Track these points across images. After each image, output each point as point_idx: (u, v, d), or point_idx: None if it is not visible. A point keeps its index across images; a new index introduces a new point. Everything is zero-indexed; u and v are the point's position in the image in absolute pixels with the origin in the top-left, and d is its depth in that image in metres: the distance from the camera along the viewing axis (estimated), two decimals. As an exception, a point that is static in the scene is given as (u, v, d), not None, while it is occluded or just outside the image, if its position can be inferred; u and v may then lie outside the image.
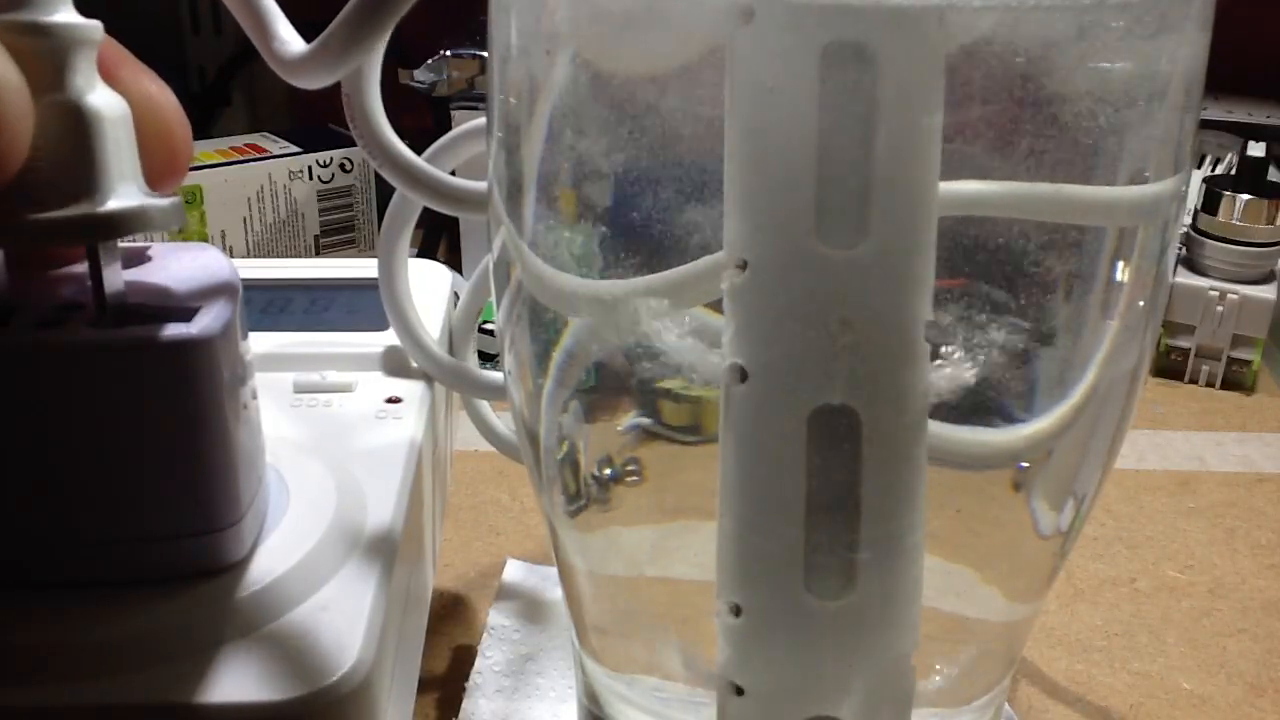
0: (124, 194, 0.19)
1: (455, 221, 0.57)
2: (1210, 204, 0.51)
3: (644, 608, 0.24)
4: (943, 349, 0.19)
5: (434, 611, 0.32)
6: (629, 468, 0.22)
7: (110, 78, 0.19)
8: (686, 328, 0.20)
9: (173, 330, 0.19)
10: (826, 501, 0.17)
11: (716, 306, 0.17)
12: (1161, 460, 0.45)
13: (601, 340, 0.21)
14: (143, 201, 0.19)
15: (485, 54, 0.48)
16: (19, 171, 0.17)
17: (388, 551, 0.22)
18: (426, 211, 0.28)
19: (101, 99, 0.18)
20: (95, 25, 0.19)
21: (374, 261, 0.30)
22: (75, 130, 0.18)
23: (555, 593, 0.33)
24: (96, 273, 0.19)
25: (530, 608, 0.33)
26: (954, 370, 0.19)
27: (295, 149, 0.60)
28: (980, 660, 0.23)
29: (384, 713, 0.21)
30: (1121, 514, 0.41)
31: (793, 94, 0.15)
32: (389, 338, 0.30)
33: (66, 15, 0.18)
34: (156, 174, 0.20)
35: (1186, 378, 0.52)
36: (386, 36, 0.22)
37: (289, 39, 0.24)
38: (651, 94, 0.18)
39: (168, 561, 0.20)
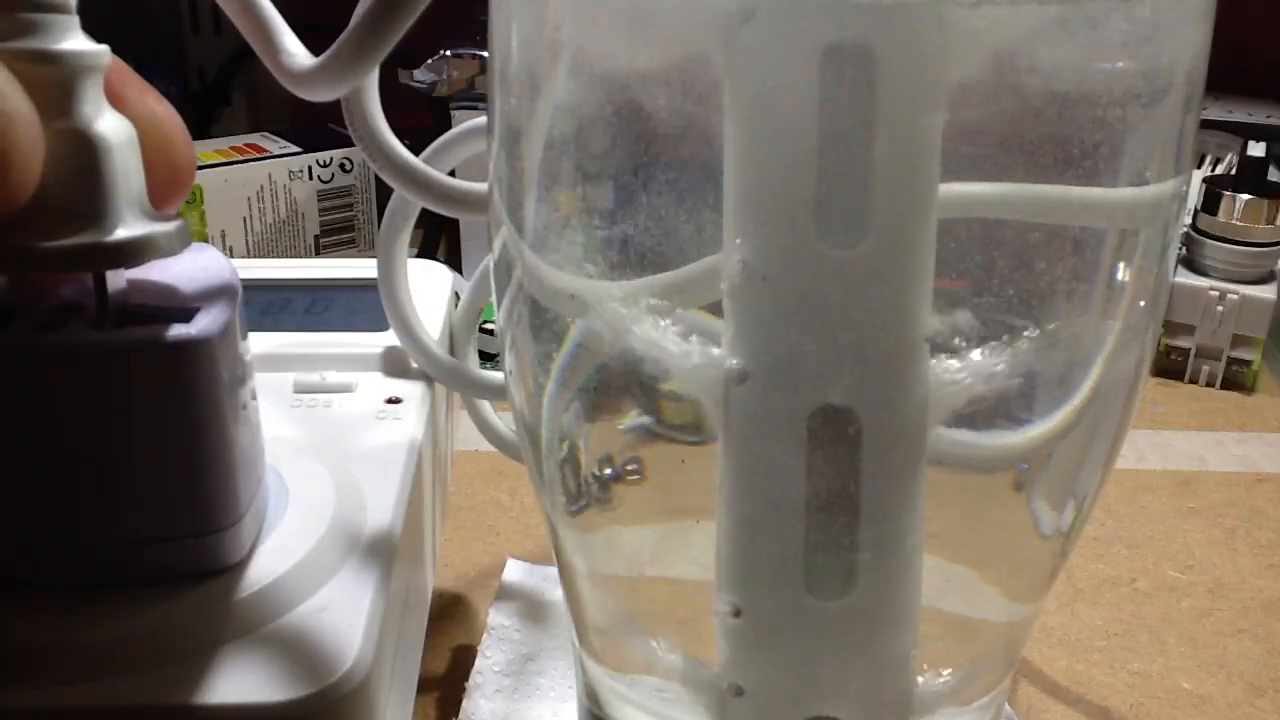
0: (131, 221, 0.19)
1: (455, 221, 0.57)
2: (1210, 204, 0.51)
3: (644, 608, 0.24)
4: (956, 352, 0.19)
5: (434, 611, 0.32)
6: (629, 467, 0.22)
7: (116, 99, 0.19)
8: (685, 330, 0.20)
9: (172, 331, 0.19)
10: (826, 501, 0.17)
11: (716, 309, 0.17)
12: (1161, 460, 0.45)
13: (602, 341, 0.21)
14: (150, 229, 0.19)
15: (485, 54, 0.48)
16: (29, 199, 0.17)
17: (387, 552, 0.22)
18: (426, 211, 0.28)
19: (109, 125, 0.18)
20: (103, 50, 0.19)
21: (374, 261, 0.30)
22: (84, 158, 0.18)
23: (555, 593, 0.33)
24: (102, 294, 0.19)
25: (530, 608, 0.33)
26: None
27: (295, 149, 0.60)
28: (980, 660, 0.23)
29: (383, 713, 0.21)
30: (1121, 514, 0.41)
31: (793, 94, 0.15)
32: (389, 338, 0.30)
33: (75, 43, 0.18)
34: (160, 192, 0.20)
35: (1186, 378, 0.52)
36: (394, 44, 0.22)
37: (296, 51, 0.24)
38: (652, 93, 0.18)
39: (166, 562, 0.20)
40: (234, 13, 0.24)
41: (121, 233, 0.18)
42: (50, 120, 0.18)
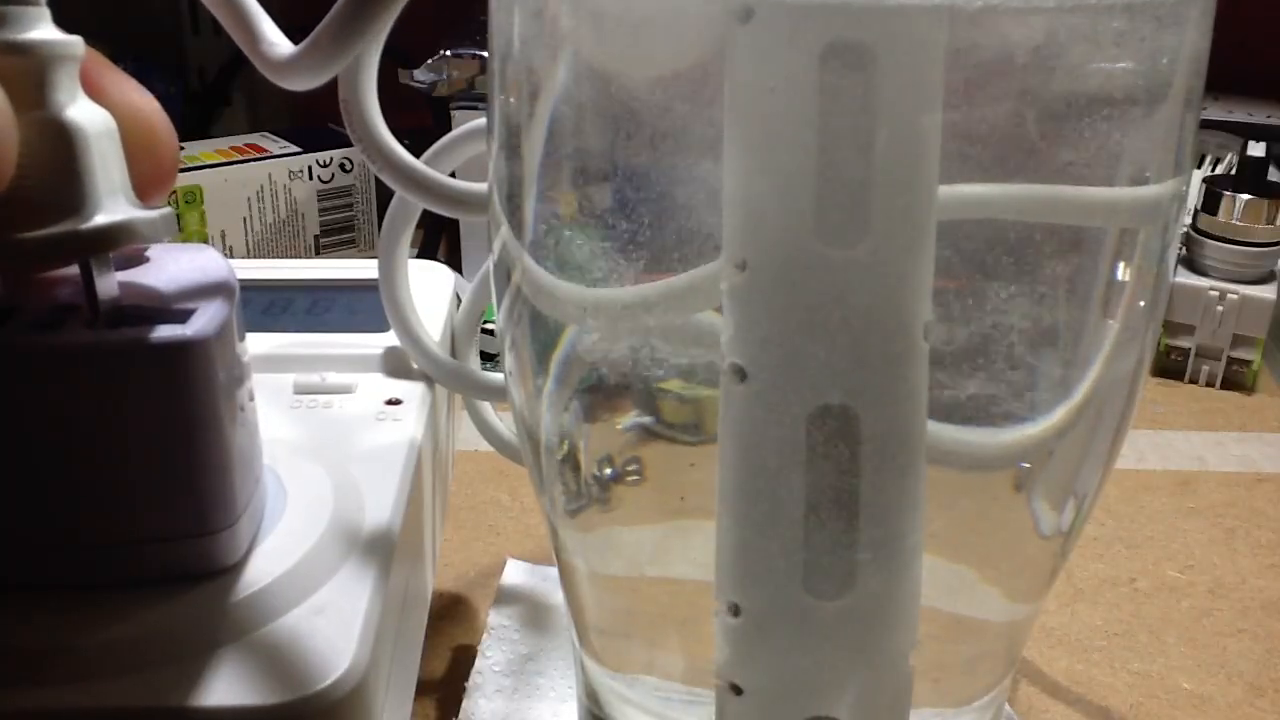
0: (111, 208, 0.19)
1: (455, 221, 0.57)
2: (1210, 204, 0.51)
3: (644, 608, 0.24)
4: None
5: (434, 611, 0.32)
6: (629, 467, 0.22)
7: (94, 90, 0.19)
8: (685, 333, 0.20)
9: (168, 332, 0.19)
10: (826, 501, 0.17)
11: (716, 309, 0.17)
12: (1161, 460, 0.45)
13: (601, 344, 0.21)
14: (130, 215, 0.19)
15: (485, 54, 0.48)
16: (5, 191, 0.17)
17: (385, 554, 0.22)
18: (427, 212, 0.28)
19: (84, 113, 0.18)
20: (75, 40, 0.19)
21: (374, 262, 0.29)
22: (60, 147, 0.18)
23: (555, 593, 0.33)
24: (89, 284, 0.19)
25: (530, 608, 0.33)
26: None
27: (295, 149, 0.60)
28: (980, 660, 0.23)
29: (380, 715, 0.21)
30: (1121, 514, 0.41)
31: (793, 94, 0.15)
32: (389, 339, 0.30)
33: (45, 32, 0.18)
34: (144, 183, 0.20)
35: (1186, 378, 0.52)
36: (380, 35, 0.22)
37: (276, 41, 0.24)
38: (651, 94, 0.18)
39: (163, 564, 0.20)
40: (213, 4, 0.24)
41: (101, 219, 0.18)
42: (24, 111, 0.18)
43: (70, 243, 0.18)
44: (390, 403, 0.28)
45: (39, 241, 0.18)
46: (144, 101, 0.20)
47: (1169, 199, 0.20)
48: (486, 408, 0.32)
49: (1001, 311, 0.19)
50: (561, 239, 0.20)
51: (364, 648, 0.20)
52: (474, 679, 0.30)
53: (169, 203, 0.45)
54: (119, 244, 0.19)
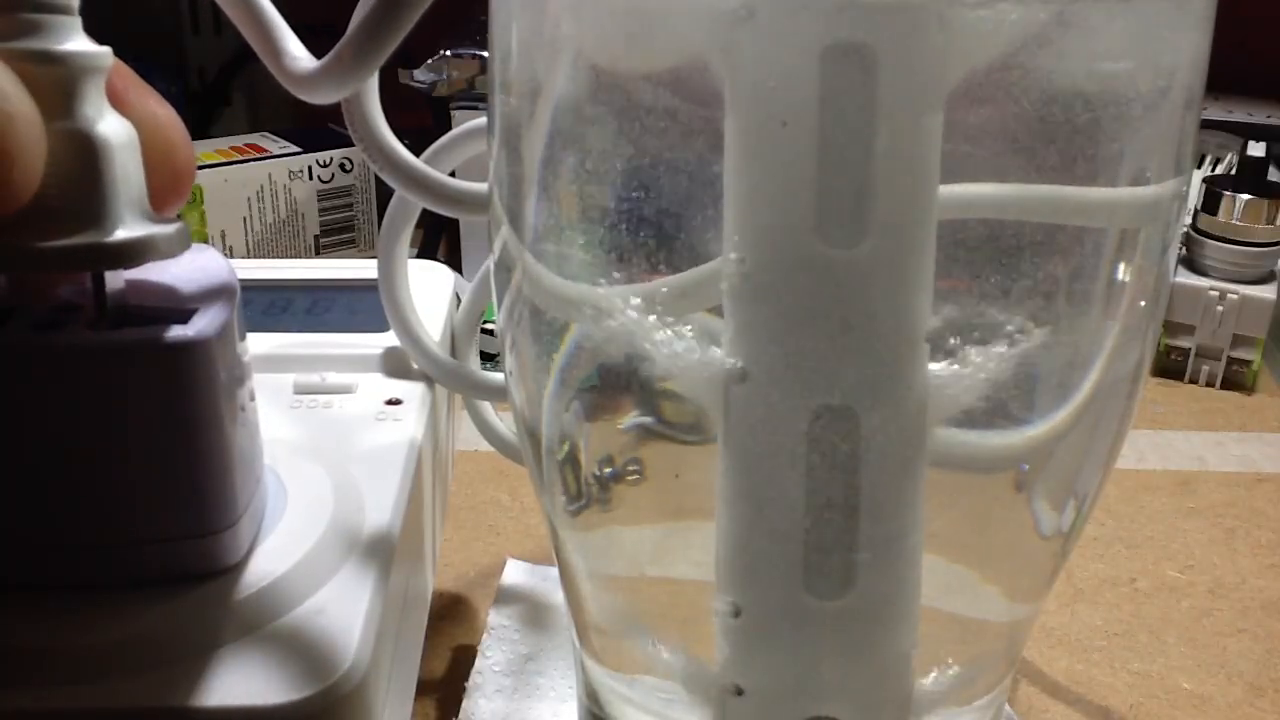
0: (131, 223, 0.19)
1: (455, 221, 0.57)
2: (1210, 204, 0.51)
3: (644, 608, 0.24)
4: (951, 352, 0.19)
5: (434, 611, 0.32)
6: (630, 467, 0.22)
7: (117, 101, 0.19)
8: (685, 335, 0.20)
9: (169, 332, 0.19)
10: (826, 501, 0.17)
11: (717, 309, 0.17)
12: (1161, 460, 0.45)
13: (601, 344, 0.21)
14: (150, 230, 0.19)
15: (485, 54, 0.48)
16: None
17: (385, 554, 0.22)
18: (426, 211, 0.28)
19: (110, 127, 0.18)
20: (105, 52, 0.19)
21: (374, 262, 0.29)
22: (85, 159, 0.18)
23: (555, 593, 0.33)
24: (100, 295, 0.19)
25: (530, 608, 0.33)
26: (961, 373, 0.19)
27: (295, 149, 0.60)
28: (980, 660, 0.23)
29: (381, 714, 0.21)
30: (1121, 514, 0.41)
31: (793, 94, 0.15)
32: (389, 339, 0.30)
33: (78, 44, 0.18)
34: (160, 195, 0.20)
35: (1186, 378, 0.52)
36: (395, 46, 0.22)
37: (298, 54, 0.24)
38: (652, 94, 0.18)
39: (164, 564, 0.20)
40: (236, 15, 0.24)
41: (121, 234, 0.18)
42: (52, 120, 0.18)
43: (91, 255, 0.18)
44: (390, 403, 0.28)
45: (59, 251, 0.18)
46: (165, 113, 0.20)
47: (1169, 199, 0.20)
48: (486, 408, 0.32)
49: (1002, 312, 0.19)
50: (562, 239, 0.20)
51: (364, 648, 0.20)
52: (474, 679, 0.30)
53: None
54: (138, 258, 0.19)
